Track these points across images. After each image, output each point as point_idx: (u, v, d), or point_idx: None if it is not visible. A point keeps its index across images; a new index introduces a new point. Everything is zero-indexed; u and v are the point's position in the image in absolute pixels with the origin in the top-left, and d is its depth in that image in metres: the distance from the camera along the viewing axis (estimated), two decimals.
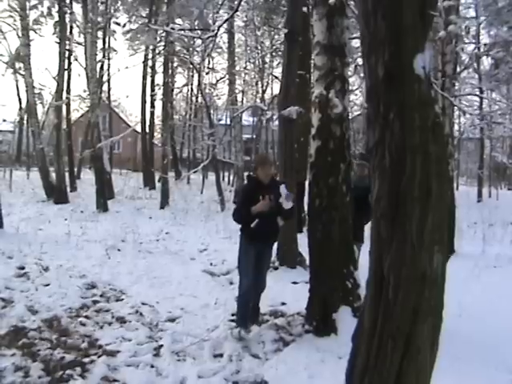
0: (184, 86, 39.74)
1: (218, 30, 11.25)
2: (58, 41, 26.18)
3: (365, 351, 3.53)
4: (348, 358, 3.83)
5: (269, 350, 6.56)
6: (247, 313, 7.16)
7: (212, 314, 7.85)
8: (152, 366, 5.94)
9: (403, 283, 3.27)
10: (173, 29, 14.42)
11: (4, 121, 49.25)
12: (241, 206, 7.11)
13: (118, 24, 35.54)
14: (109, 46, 34.69)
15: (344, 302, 7.21)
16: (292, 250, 11.17)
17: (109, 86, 38.78)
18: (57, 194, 23.51)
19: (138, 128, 37.00)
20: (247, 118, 42.33)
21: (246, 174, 26.85)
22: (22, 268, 10.23)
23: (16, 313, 7.56)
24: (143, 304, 8.32)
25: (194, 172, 25.02)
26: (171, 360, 6.13)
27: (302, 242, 10.99)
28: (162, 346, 6.52)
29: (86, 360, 6.03)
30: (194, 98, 43.60)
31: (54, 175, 24.60)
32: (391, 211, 3.27)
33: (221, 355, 6.34)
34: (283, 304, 8.55)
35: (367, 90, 3.44)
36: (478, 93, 31.99)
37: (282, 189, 6.77)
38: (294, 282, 10.05)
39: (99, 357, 6.12)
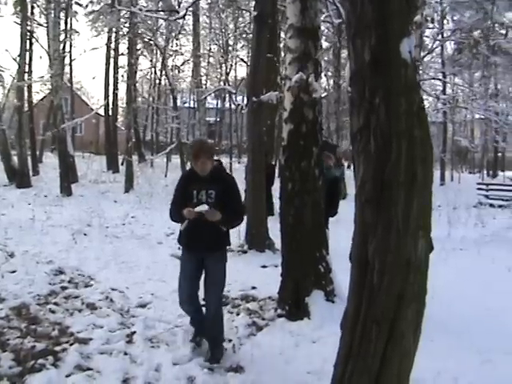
0: (149, 68, 39.41)
1: (186, 11, 11.13)
2: (19, 21, 25.65)
3: (348, 337, 3.53)
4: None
5: (242, 335, 6.51)
6: (193, 324, 6.25)
7: None
8: (125, 354, 5.84)
9: (388, 268, 3.26)
10: (140, 9, 14.21)
11: None
12: (172, 202, 5.95)
13: (80, 5, 34.87)
14: (71, 27, 34.09)
15: (316, 286, 7.23)
16: (261, 234, 11.15)
17: (71, 68, 38.18)
18: (19, 177, 23.15)
19: (101, 111, 36.60)
20: (211, 101, 42.19)
21: None
22: None
23: None
24: (113, 290, 8.22)
25: (161, 155, 24.84)
26: (145, 347, 6.04)
27: (273, 225, 11.01)
28: (134, 332, 6.42)
29: (58, 348, 5.90)
30: (157, 81, 43.14)
31: (15, 159, 24.20)
32: (376, 196, 3.25)
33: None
34: (253, 288, 8.51)
35: (352, 74, 3.39)
36: (441, 77, 32.34)
37: (202, 208, 5.45)
38: (264, 266, 10.04)
39: (71, 345, 6.00)
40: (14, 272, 9.00)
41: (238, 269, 9.36)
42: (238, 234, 11.04)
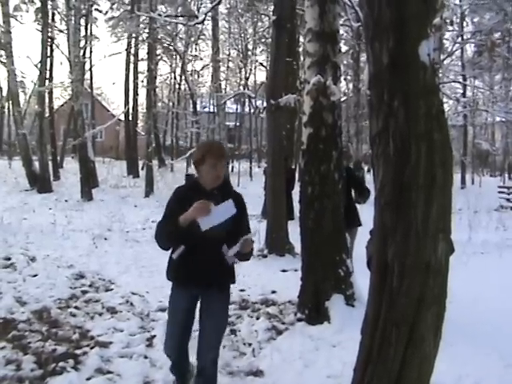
0: (168, 73, 39.57)
1: (206, 16, 11.17)
2: (40, 28, 25.88)
3: (368, 341, 3.51)
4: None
5: (262, 339, 6.50)
6: (175, 374, 4.98)
7: None
8: (145, 357, 5.87)
9: (408, 272, 3.24)
10: (160, 15, 14.29)
11: None
12: (161, 220, 4.41)
13: (100, 11, 35.21)
14: (91, 33, 34.38)
15: (336, 290, 7.20)
16: (281, 238, 11.14)
17: (91, 73, 38.55)
18: (40, 182, 23.33)
19: (122, 116, 36.78)
20: (231, 106, 42.25)
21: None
22: (9, 259, 10.16)
23: (4, 304, 7.48)
24: (133, 294, 8.26)
25: (181, 159, 24.89)
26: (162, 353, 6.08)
27: (292, 229, 11.01)
28: (154, 336, 6.45)
29: (79, 352, 5.95)
30: (177, 86, 43.32)
31: (37, 164, 24.39)
32: (395, 199, 3.23)
33: None
34: (273, 292, 8.50)
35: (370, 77, 3.38)
36: (461, 80, 32.16)
37: (225, 249, 4.22)
38: (284, 270, 10.02)
39: (92, 348, 6.04)
40: (35, 276, 9.09)
41: (258, 273, 9.38)
42: (257, 239, 11.03)
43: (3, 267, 9.66)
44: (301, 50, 21.95)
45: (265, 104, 13.05)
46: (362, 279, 7.43)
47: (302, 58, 21.45)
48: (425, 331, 3.31)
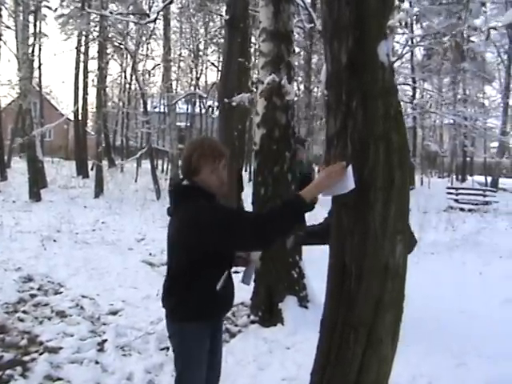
0: (119, 73, 39.23)
1: (158, 15, 11.04)
2: None
3: (325, 344, 3.46)
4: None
5: None
6: None
7: (154, 306, 7.53)
8: (97, 362, 5.74)
9: (366, 273, 3.21)
10: (111, 13, 14.06)
11: None
12: (251, 219, 3.47)
13: (50, 8, 34.73)
14: (40, 30, 33.86)
15: (290, 292, 7.18)
16: None
17: (40, 72, 37.95)
18: None
19: (71, 115, 36.32)
20: (182, 106, 42.05)
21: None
22: None
23: None
24: (83, 297, 8.09)
25: (132, 160, 24.68)
26: (116, 355, 5.95)
27: None
28: (105, 340, 6.32)
29: (27, 358, 5.81)
30: (127, 86, 42.99)
31: None
32: (353, 201, 3.20)
33: (167, 348, 6.13)
34: None
35: (328, 77, 3.35)
36: (410, 82, 32.61)
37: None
38: (235, 272, 9.92)
39: (40, 354, 5.89)
40: None
41: None
42: None
43: None
44: (252, 50, 22.00)
45: (216, 104, 12.98)
46: (314, 281, 7.45)
47: (253, 59, 21.50)
48: (383, 333, 3.29)
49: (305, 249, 7.91)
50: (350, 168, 3.13)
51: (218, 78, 41.39)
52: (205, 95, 24.19)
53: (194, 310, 3.56)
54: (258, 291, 7.30)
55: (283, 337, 6.53)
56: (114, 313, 7.46)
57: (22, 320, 7.05)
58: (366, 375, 3.31)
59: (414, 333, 6.38)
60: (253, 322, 7.08)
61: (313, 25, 14.63)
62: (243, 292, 7.73)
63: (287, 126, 7.17)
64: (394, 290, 3.27)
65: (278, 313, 6.98)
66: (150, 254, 11.23)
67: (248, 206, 12.28)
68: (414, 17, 26.85)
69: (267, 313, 7.05)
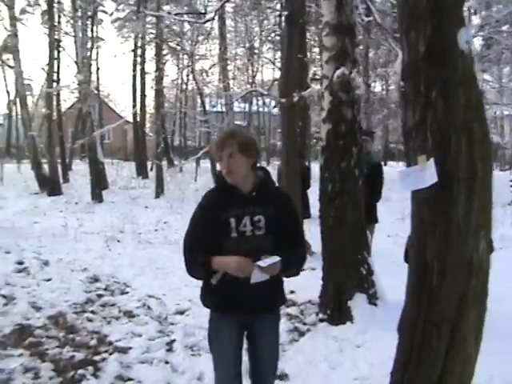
0: (176, 73, 39.58)
1: (216, 13, 11.02)
2: (47, 30, 25.90)
3: (406, 343, 3.36)
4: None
5: (284, 341, 6.30)
6: None
7: None
8: (166, 362, 5.72)
9: (449, 269, 3.10)
10: (169, 13, 14.12)
11: None
12: (187, 238, 3.67)
13: (106, 12, 35.28)
14: (97, 35, 34.37)
15: (358, 289, 7.04)
16: None
17: (98, 75, 38.54)
18: (50, 185, 23.22)
19: (129, 117, 36.80)
20: (238, 105, 42.09)
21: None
22: (21, 263, 10.04)
23: (19, 310, 7.37)
24: (149, 296, 8.12)
25: (192, 160, 24.79)
26: (185, 355, 5.92)
27: (308, 228, 10.87)
28: (174, 340, 6.30)
29: (98, 358, 5.84)
30: (184, 86, 43.23)
31: (46, 167, 24.34)
32: (435, 195, 3.08)
33: None
34: (292, 292, 8.25)
35: (405, 67, 3.23)
36: None
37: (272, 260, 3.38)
38: (301, 269, 9.81)
39: (110, 354, 5.92)
40: (49, 280, 8.97)
41: None
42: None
43: (16, 271, 9.55)
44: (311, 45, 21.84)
45: (274, 102, 12.89)
46: (382, 278, 7.32)
47: (308, 54, 21.34)
48: (467, 332, 3.18)
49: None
50: (431, 161, 3.03)
51: (275, 75, 41.72)
52: (265, 92, 24.03)
53: (203, 299, 3.86)
54: (326, 289, 7.19)
55: (353, 335, 6.41)
56: (181, 312, 7.44)
57: (90, 320, 7.10)
58: (450, 376, 3.21)
59: (489, 330, 6.21)
60: (321, 320, 6.96)
61: (371, 18, 14.37)
62: (310, 290, 7.68)
63: (353, 121, 7.03)
64: (477, 285, 3.17)
65: (347, 311, 6.86)
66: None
67: (313, 203, 12.23)
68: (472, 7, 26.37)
69: (336, 311, 6.93)
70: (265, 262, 3.35)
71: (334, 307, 6.96)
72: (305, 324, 6.95)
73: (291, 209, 3.74)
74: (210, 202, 3.69)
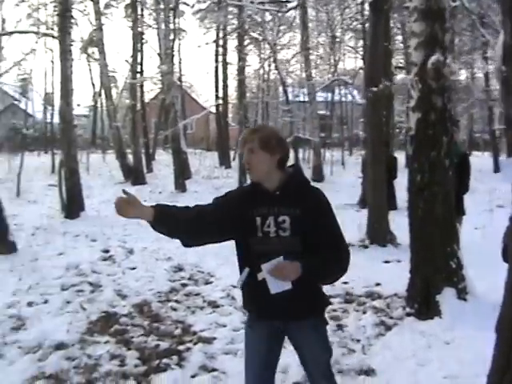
0: (258, 63, 39.59)
1: (298, 3, 10.87)
2: (131, 24, 26.46)
3: (505, 344, 3.15)
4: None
5: (370, 335, 6.17)
6: None
7: None
8: None
9: None
10: (252, 2, 14.01)
11: (78, 105, 50.47)
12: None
13: (187, 4, 35.57)
14: (179, 27, 34.71)
15: (448, 284, 6.79)
16: (382, 228, 10.73)
17: (180, 67, 38.94)
18: (134, 175, 23.69)
19: (212, 108, 37.06)
20: (321, 94, 41.80)
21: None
22: (107, 251, 10.29)
23: (105, 298, 7.54)
24: (233, 287, 8.03)
25: None
26: None
27: (394, 218, 10.67)
28: None
29: (182, 348, 5.86)
30: (266, 76, 43.17)
31: (130, 157, 24.82)
32: None
33: None
34: (378, 285, 8.13)
35: (507, 50, 3.03)
36: None
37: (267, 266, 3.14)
38: (386, 261, 9.60)
39: (195, 344, 5.93)
40: (134, 269, 9.13)
41: (359, 264, 9.04)
42: (358, 229, 10.71)
43: (102, 259, 9.77)
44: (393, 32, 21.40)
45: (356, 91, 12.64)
46: (472, 272, 7.05)
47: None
48: None
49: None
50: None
51: (357, 64, 41.23)
52: (350, 81, 23.73)
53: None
54: (414, 282, 6.98)
55: (441, 331, 6.18)
56: None
57: (174, 309, 7.14)
58: None
59: None
60: (408, 315, 6.74)
61: (457, 3, 13.95)
62: (396, 283, 7.50)
63: (443, 110, 6.76)
64: None
65: (436, 305, 6.63)
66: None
67: (399, 194, 11.98)
68: None
69: (424, 305, 6.71)
70: (270, 264, 3.15)
71: (422, 301, 6.74)
72: (391, 318, 6.75)
73: (322, 209, 3.39)
74: (237, 194, 3.57)
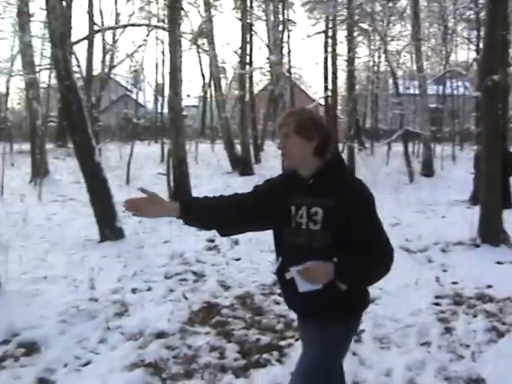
0: (369, 55, 39.07)
1: None
2: (240, 15, 26.68)
3: None
4: None
5: (481, 341, 5.79)
6: None
7: (414, 296, 7.16)
8: (354, 354, 5.39)
9: None
10: None
11: (188, 96, 51.55)
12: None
13: None
14: (288, 18, 34.74)
15: None
16: (495, 227, 10.21)
17: (289, 58, 38.97)
18: (242, 165, 23.90)
19: (321, 99, 36.90)
20: (432, 87, 40.79)
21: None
22: (212, 241, 10.34)
23: (208, 288, 7.55)
24: None
25: (391, 141, 24.38)
26: (374, 347, 5.61)
27: (508, 218, 10.21)
28: (363, 330, 5.97)
29: (283, 343, 5.74)
30: (376, 68, 42.51)
31: (238, 147, 25.01)
32: None
33: (428, 344, 5.71)
34: (489, 287, 7.67)
35: None
36: None
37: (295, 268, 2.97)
38: (499, 262, 9.08)
39: (296, 340, 5.73)
40: (238, 260, 9.16)
41: (470, 264, 8.68)
42: (469, 226, 10.26)
43: (207, 249, 9.82)
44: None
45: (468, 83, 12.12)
46: None
47: None
48: None
49: None
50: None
51: (470, 55, 39.96)
52: (464, 72, 22.96)
53: None
54: None
55: None
56: (372, 301, 7.10)
57: (277, 303, 7.00)
58: None
59: None
60: None
61: None
62: (509, 285, 7.11)
63: None
64: None
65: None
66: (407, 240, 10.63)
67: None
68: None
69: None
70: (303, 267, 2.93)
71: None
72: (504, 324, 6.33)
73: (360, 202, 3.06)
74: (277, 181, 3.40)
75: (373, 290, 7.24)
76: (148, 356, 5.38)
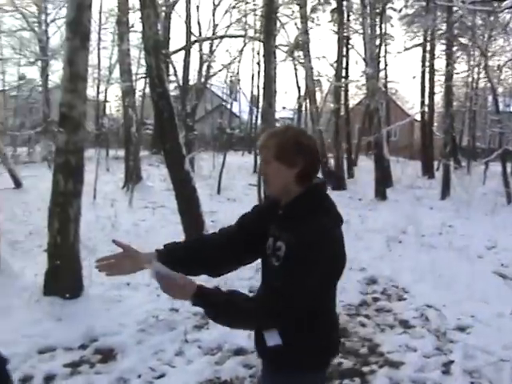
0: (468, 71, 38.04)
1: None
2: (336, 29, 26.86)
3: None
4: None
5: None
6: None
7: (508, 327, 6.72)
8: None
9: None
10: (463, 2, 13.17)
11: (283, 108, 51.72)
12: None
13: (394, 9, 35.17)
14: (385, 32, 34.36)
15: None
16: None
17: (386, 73, 38.52)
18: (335, 180, 23.76)
19: (417, 115, 36.29)
20: None
21: None
22: None
23: None
24: (428, 306, 7.57)
25: (490, 160, 23.70)
26: (463, 381, 5.29)
27: None
28: (452, 361, 5.68)
29: (366, 369, 5.55)
30: (475, 84, 41.32)
31: (332, 161, 24.86)
32: None
33: None
34: None
35: None
36: None
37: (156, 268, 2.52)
38: None
39: (380, 367, 5.57)
40: None
41: None
42: None
43: None
44: None
45: None
46: None
47: None
48: None
49: None
50: None
51: None
52: None
53: None
54: None
55: None
56: (462, 329, 6.75)
57: (363, 325, 6.85)
58: None
59: None
60: None
61: None
62: None
63: None
64: None
65: None
66: (502, 265, 10.19)
67: None
68: None
69: None
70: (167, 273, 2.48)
71: None
72: None
73: (303, 249, 2.51)
74: (263, 207, 3.08)
75: (464, 318, 6.96)
76: (224, 373, 5.32)
